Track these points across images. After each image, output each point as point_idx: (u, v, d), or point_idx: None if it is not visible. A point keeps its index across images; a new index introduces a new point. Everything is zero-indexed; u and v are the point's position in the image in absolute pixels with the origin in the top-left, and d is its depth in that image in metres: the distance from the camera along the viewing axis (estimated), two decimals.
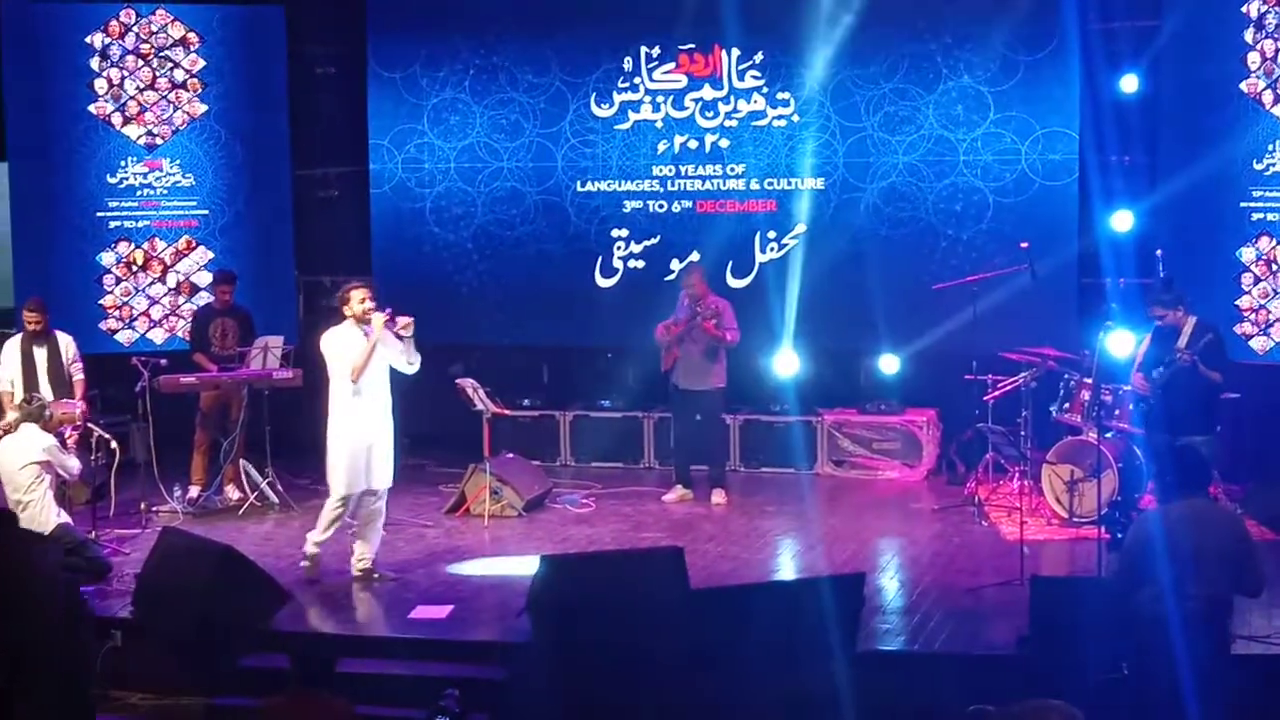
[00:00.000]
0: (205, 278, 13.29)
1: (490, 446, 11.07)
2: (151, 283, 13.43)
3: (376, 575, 9.35)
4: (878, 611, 8.44)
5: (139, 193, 13.35)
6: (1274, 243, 11.17)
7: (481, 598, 9.05)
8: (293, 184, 13.64)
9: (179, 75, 13.35)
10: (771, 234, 12.67)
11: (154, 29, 13.27)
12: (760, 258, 12.70)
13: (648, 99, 12.86)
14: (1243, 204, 11.28)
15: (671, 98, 12.82)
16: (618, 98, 12.91)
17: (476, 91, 13.16)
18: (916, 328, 12.14)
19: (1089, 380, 10.30)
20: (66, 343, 10.94)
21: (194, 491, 11.47)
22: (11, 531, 7.38)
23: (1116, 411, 10.12)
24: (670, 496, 11.51)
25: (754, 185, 12.70)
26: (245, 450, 11.53)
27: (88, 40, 13.14)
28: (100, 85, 13.19)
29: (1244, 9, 11.16)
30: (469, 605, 8.87)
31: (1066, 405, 10.61)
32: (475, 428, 11.10)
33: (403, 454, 12.35)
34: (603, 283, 13.07)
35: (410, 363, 9.34)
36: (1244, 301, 11.29)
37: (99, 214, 13.28)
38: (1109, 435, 10.08)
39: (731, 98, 12.69)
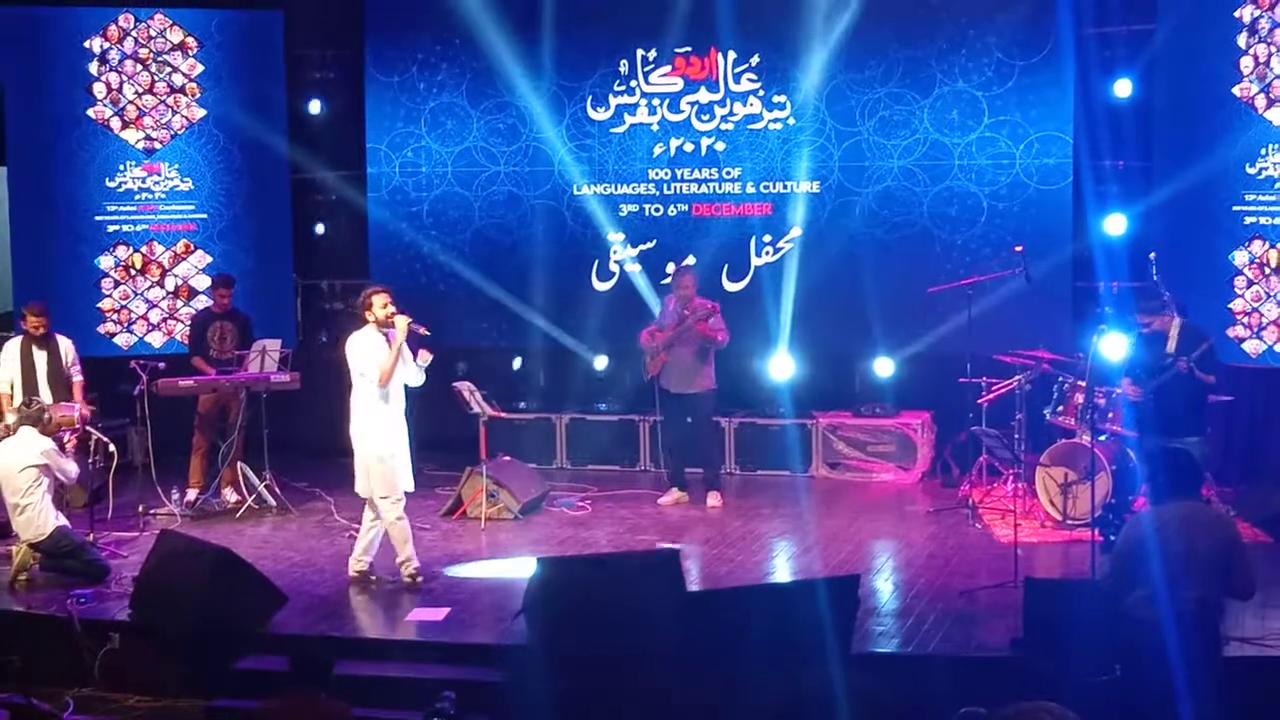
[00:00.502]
0: (203, 281, 13.32)
1: (487, 449, 11.10)
2: (150, 286, 13.45)
3: (374, 578, 9.37)
4: (872, 614, 8.47)
5: (137, 197, 13.37)
6: (1267, 246, 11.21)
7: (478, 600, 9.07)
8: (291, 188, 13.66)
9: (177, 79, 13.38)
10: (767, 238, 12.71)
11: (152, 33, 13.30)
12: (756, 261, 12.74)
13: (644, 102, 12.90)
14: (1235, 208, 11.31)
15: (667, 101, 12.86)
16: (613, 101, 12.95)
17: (473, 96, 13.19)
18: (911, 331, 12.19)
19: (1083, 383, 10.33)
20: (66, 346, 10.98)
21: (192, 494, 11.50)
22: None
23: (1110, 414, 10.15)
24: (666, 499, 11.54)
25: (750, 189, 12.74)
26: (243, 453, 11.55)
27: (86, 45, 13.16)
28: (99, 89, 13.22)
29: (1237, 14, 11.20)
30: (466, 608, 8.89)
31: (1060, 408, 10.64)
32: (472, 430, 11.14)
33: None
34: (599, 286, 13.11)
35: (418, 379, 9.39)
36: (1237, 305, 11.31)
37: (97, 218, 13.30)
38: (1103, 438, 10.11)
39: (728, 101, 12.72)
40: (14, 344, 10.89)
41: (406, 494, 9.40)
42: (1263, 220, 11.23)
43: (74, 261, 13.24)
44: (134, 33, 13.27)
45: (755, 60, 12.60)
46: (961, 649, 7.99)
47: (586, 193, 13.06)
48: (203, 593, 8.45)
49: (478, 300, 13.19)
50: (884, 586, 9.20)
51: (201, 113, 13.43)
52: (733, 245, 12.78)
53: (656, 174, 12.92)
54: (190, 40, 13.37)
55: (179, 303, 13.48)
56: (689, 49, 12.74)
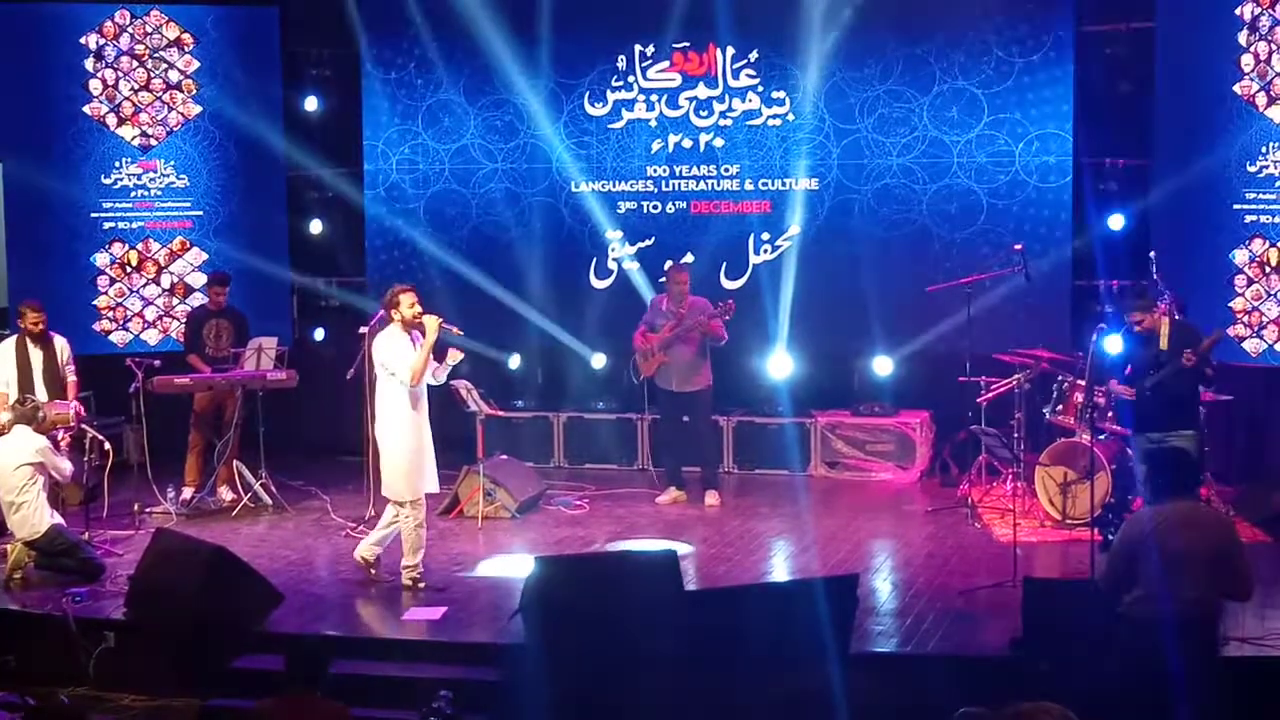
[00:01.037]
0: (199, 279, 13.28)
1: (484, 448, 11.07)
2: (145, 284, 13.42)
3: (374, 572, 9.32)
4: (871, 613, 8.44)
5: (133, 194, 13.34)
6: (1267, 245, 11.18)
7: (475, 599, 9.04)
8: (287, 185, 13.63)
9: (173, 76, 13.35)
10: (765, 235, 12.68)
11: (149, 30, 13.27)
12: (754, 259, 12.71)
13: (641, 98, 12.87)
14: (1236, 206, 11.29)
15: (665, 97, 12.82)
16: (611, 96, 12.92)
17: (470, 93, 13.16)
18: (910, 329, 12.17)
19: (1082, 382, 10.31)
20: (62, 345, 10.94)
21: (187, 493, 11.47)
22: None
23: (1109, 413, 10.12)
24: (664, 498, 11.50)
25: (748, 186, 12.71)
26: (239, 451, 11.52)
27: (82, 41, 13.13)
28: (95, 86, 13.19)
29: (1238, 11, 11.17)
30: (463, 607, 8.86)
31: (1060, 407, 10.62)
32: (469, 429, 11.11)
33: None
34: (597, 284, 13.08)
35: (438, 378, 9.35)
36: (1237, 303, 11.29)
37: (93, 215, 13.28)
38: (1103, 437, 10.09)
39: (726, 96, 12.69)
40: (9, 342, 10.85)
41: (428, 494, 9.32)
42: (1263, 219, 11.20)
43: (69, 258, 13.22)
44: (130, 29, 13.24)
45: (754, 56, 12.57)
46: (960, 649, 7.97)
47: (584, 190, 13.03)
48: (198, 591, 8.42)
49: (475, 298, 13.14)
50: (883, 586, 9.18)
51: (197, 109, 13.40)
52: (731, 243, 12.76)
53: (654, 170, 12.89)
54: (186, 37, 13.35)
55: (175, 300, 13.45)
56: (687, 44, 12.71)
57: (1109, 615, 6.66)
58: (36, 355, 10.77)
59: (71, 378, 10.92)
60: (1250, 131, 11.16)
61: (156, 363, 11.28)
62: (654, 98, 12.84)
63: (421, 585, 9.13)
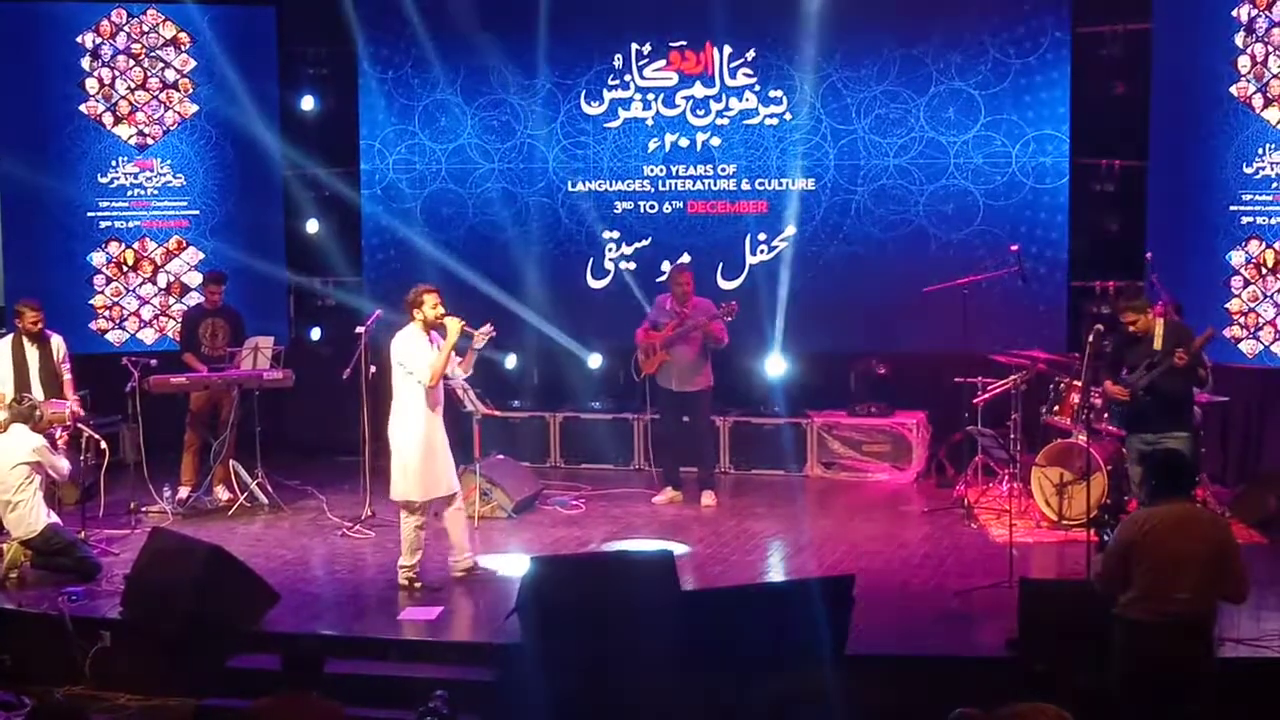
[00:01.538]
0: (196, 278, 13.27)
1: (480, 448, 11.05)
2: (142, 283, 13.42)
3: (480, 571, 9.27)
4: (867, 613, 8.43)
5: (130, 193, 13.33)
6: (1263, 246, 11.19)
7: (471, 599, 9.04)
8: (283, 184, 13.62)
9: (170, 75, 13.34)
10: (762, 236, 12.68)
11: (145, 29, 13.26)
12: (751, 260, 12.71)
13: (638, 97, 12.87)
14: (1232, 207, 11.29)
15: (662, 95, 12.82)
16: (608, 95, 12.91)
17: (467, 92, 13.15)
18: (906, 330, 12.17)
19: (1079, 383, 10.30)
20: (58, 342, 10.93)
21: (184, 492, 11.45)
22: None
23: (1106, 414, 10.12)
24: (660, 498, 11.51)
25: (745, 186, 12.71)
26: (235, 451, 11.50)
27: (79, 40, 13.12)
28: (91, 85, 13.18)
29: (1234, 13, 11.17)
30: (458, 606, 8.86)
31: (1056, 408, 10.63)
32: (465, 429, 11.08)
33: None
34: (594, 284, 13.08)
35: (466, 370, 9.32)
36: (1233, 305, 11.30)
37: (89, 214, 13.27)
38: (1099, 438, 10.09)
39: (723, 95, 12.69)
40: (4, 341, 10.83)
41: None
42: (1259, 220, 11.21)
43: (66, 258, 13.21)
44: (127, 28, 13.23)
45: (751, 55, 12.57)
46: (956, 649, 7.98)
47: (581, 189, 13.02)
48: (194, 591, 8.42)
49: (471, 298, 13.09)
50: (879, 586, 9.15)
51: (194, 108, 13.40)
52: (727, 243, 12.76)
53: (651, 170, 12.88)
54: (183, 36, 13.34)
55: (171, 299, 13.45)
56: (684, 43, 12.71)
57: (1105, 616, 6.66)
58: (33, 354, 10.75)
59: (67, 375, 10.90)
60: (1246, 133, 11.17)
61: (153, 362, 11.27)
62: (650, 96, 12.84)
63: (418, 585, 9.12)
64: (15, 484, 9.41)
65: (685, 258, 12.62)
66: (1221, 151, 11.27)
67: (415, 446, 9.03)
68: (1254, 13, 11.11)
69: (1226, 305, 11.31)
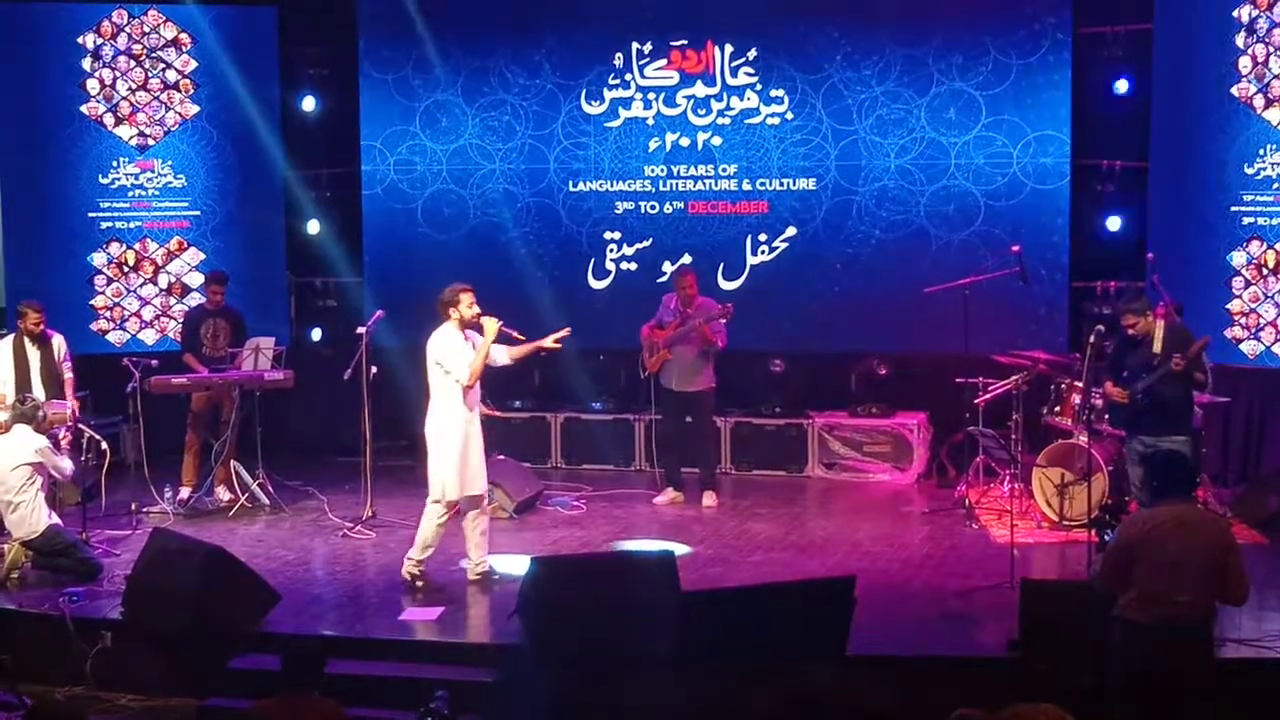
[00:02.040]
0: (197, 279, 13.27)
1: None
2: (143, 283, 13.42)
3: (497, 577, 9.25)
4: (868, 614, 8.43)
5: (130, 193, 13.34)
6: (1265, 247, 11.19)
7: (472, 599, 9.03)
8: (284, 185, 13.62)
9: (171, 76, 13.34)
10: (763, 236, 12.68)
11: (146, 30, 13.27)
12: (751, 260, 12.71)
13: (639, 96, 12.86)
14: (1233, 208, 11.30)
15: (663, 95, 12.82)
16: (608, 94, 12.91)
17: (468, 93, 13.16)
18: (907, 331, 12.16)
19: (1080, 384, 10.29)
20: (59, 342, 10.94)
21: (185, 493, 11.45)
22: None
23: (1107, 415, 10.11)
24: (661, 499, 11.50)
25: (745, 186, 12.71)
26: (236, 451, 11.50)
27: (80, 41, 13.12)
28: (92, 86, 13.19)
29: (1235, 13, 11.18)
30: (459, 606, 8.86)
31: (1057, 408, 10.63)
32: None
33: (396, 455, 12.40)
34: (595, 285, 13.07)
35: (514, 357, 9.33)
36: (1234, 305, 11.30)
37: (90, 214, 13.27)
38: (1100, 438, 10.09)
39: (724, 95, 12.69)
40: (6, 342, 10.84)
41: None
42: (1260, 221, 11.21)
43: (67, 258, 13.21)
44: (127, 29, 13.23)
45: (752, 54, 12.57)
46: (958, 650, 7.97)
47: (582, 189, 13.02)
48: (195, 591, 8.41)
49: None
50: (880, 587, 9.15)
51: (195, 109, 13.40)
52: (728, 243, 12.75)
53: (652, 170, 12.88)
54: (184, 36, 13.34)
55: (172, 300, 13.45)
56: (685, 42, 12.71)
57: (1105, 617, 6.66)
58: (34, 354, 10.76)
59: (68, 375, 10.91)
60: (1248, 133, 11.17)
61: (154, 362, 11.27)
62: (651, 96, 12.84)
63: (420, 584, 9.11)
64: (17, 485, 9.41)
65: (686, 258, 12.62)
66: (1222, 152, 11.28)
67: (453, 445, 8.99)
68: (1255, 13, 11.11)
69: (1227, 306, 11.31)
